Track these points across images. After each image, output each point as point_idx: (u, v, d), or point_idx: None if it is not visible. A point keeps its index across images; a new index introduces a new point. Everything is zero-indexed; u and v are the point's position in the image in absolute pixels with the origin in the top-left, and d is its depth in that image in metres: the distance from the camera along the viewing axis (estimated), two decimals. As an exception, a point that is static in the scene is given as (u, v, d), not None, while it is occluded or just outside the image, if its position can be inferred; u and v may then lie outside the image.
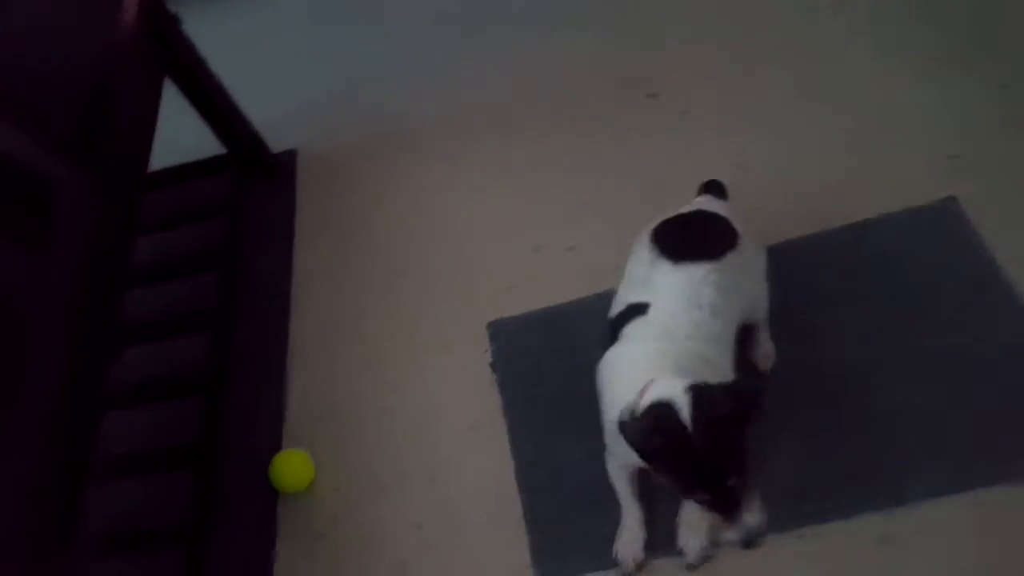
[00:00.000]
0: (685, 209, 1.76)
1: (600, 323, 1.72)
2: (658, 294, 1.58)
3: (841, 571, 1.64)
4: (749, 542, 1.42)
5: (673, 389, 1.34)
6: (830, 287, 1.94)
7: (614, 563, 1.72)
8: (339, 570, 1.92)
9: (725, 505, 1.33)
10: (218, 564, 1.99)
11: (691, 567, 1.67)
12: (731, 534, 1.34)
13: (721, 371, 1.54)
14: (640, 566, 1.71)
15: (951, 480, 1.65)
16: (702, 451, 1.29)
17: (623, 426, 1.36)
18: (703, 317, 1.54)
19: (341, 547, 1.96)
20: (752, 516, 1.47)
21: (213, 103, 2.43)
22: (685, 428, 1.30)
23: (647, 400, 1.36)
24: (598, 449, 1.69)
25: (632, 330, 1.58)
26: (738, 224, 1.69)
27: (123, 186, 1.98)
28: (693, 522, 1.66)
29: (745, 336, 1.76)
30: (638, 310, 1.58)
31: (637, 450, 1.34)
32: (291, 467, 2.05)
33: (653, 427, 1.32)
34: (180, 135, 2.56)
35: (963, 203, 1.99)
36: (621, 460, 1.65)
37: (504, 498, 1.90)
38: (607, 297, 1.83)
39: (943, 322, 1.84)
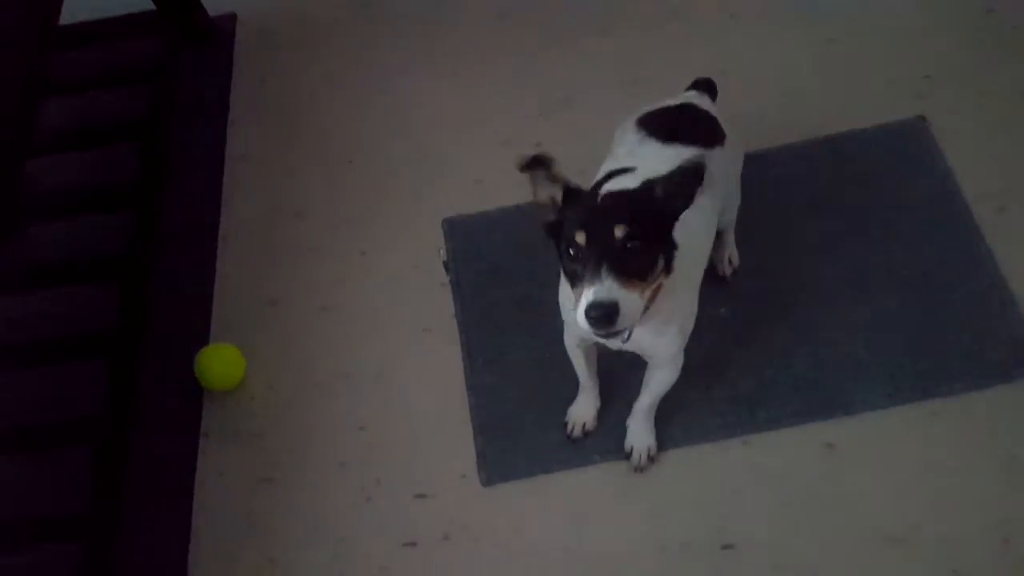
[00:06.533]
0: (672, 101, 1.65)
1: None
2: (645, 161, 1.47)
3: (784, 476, 1.66)
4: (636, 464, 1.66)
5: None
6: (796, 198, 1.96)
7: (566, 436, 1.74)
8: (271, 472, 1.79)
9: (599, 252, 1.19)
10: (135, 462, 1.82)
11: (574, 441, 1.74)
12: (587, 296, 1.18)
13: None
14: (587, 433, 1.74)
15: (896, 391, 1.71)
16: (599, 203, 1.25)
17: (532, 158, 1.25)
18: None
19: (274, 448, 1.82)
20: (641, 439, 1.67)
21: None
22: (596, 192, 1.26)
23: None
24: (550, 353, 1.69)
25: (611, 183, 1.44)
26: (725, 125, 1.62)
27: (24, 33, 1.70)
28: (580, 409, 1.75)
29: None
30: (621, 171, 1.47)
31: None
32: (219, 362, 1.88)
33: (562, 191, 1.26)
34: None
35: (931, 123, 2.02)
36: (575, 336, 1.57)
37: (452, 401, 1.81)
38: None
39: (901, 238, 1.88)
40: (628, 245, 1.19)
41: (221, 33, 2.43)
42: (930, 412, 1.68)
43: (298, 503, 1.74)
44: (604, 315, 1.17)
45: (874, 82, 2.12)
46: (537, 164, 1.25)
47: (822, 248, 1.87)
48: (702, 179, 1.21)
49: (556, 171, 1.25)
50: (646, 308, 1.27)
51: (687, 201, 1.23)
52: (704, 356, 1.71)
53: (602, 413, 1.75)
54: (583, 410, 1.74)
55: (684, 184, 1.22)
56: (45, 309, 1.95)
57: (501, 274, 1.94)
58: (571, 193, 1.26)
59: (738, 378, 1.75)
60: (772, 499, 1.64)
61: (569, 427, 1.74)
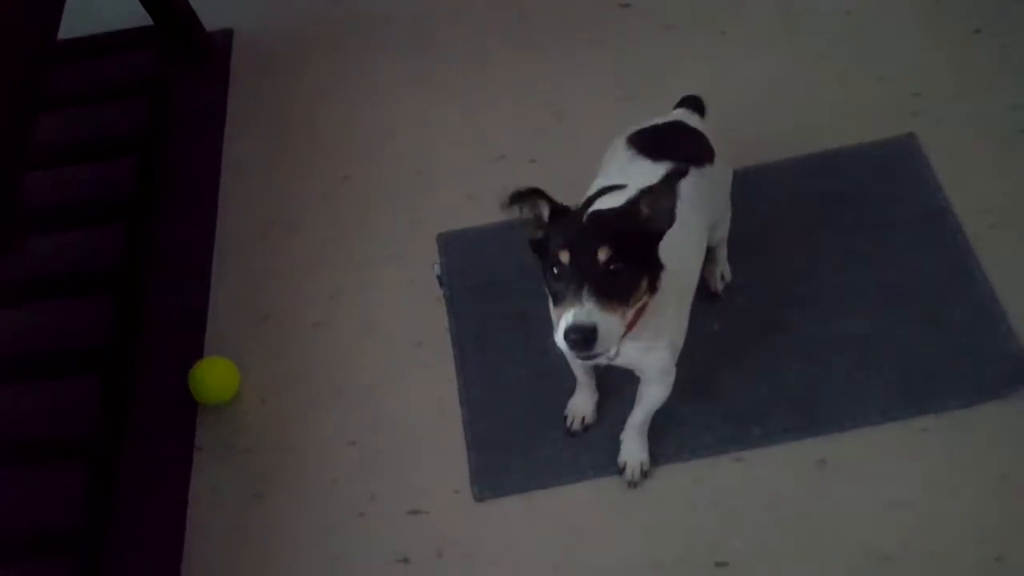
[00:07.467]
0: (661, 120, 1.67)
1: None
2: (636, 179, 1.45)
3: (777, 493, 1.66)
4: (629, 479, 1.67)
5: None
6: (788, 214, 1.97)
7: (565, 431, 1.76)
8: (264, 487, 1.78)
9: (581, 274, 1.18)
10: (129, 477, 1.82)
11: (574, 434, 1.76)
12: (566, 318, 1.17)
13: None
14: (587, 427, 1.76)
15: (888, 408, 1.71)
16: (585, 223, 1.26)
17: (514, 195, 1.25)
18: (680, 207, 1.38)
19: (267, 463, 1.81)
20: (635, 454, 1.67)
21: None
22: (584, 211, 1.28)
23: None
24: (544, 369, 1.72)
25: (602, 200, 1.44)
26: (714, 142, 1.63)
27: (21, 47, 1.70)
28: (578, 403, 1.76)
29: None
30: (613, 188, 1.47)
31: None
32: (213, 376, 1.87)
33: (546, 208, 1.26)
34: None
35: (921, 140, 2.03)
36: None
37: (445, 416, 1.81)
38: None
39: (893, 254, 1.88)
40: (612, 267, 1.19)
41: (217, 48, 2.43)
42: (922, 429, 1.68)
43: (291, 519, 1.74)
44: (583, 339, 1.17)
45: (864, 99, 2.13)
46: (520, 199, 1.25)
47: (815, 264, 1.88)
48: (685, 174, 1.21)
49: (541, 196, 1.25)
50: (631, 326, 1.28)
51: (671, 217, 1.23)
52: (697, 371, 1.71)
53: (595, 429, 1.75)
54: (582, 403, 1.74)
55: (666, 190, 1.21)
56: (38, 323, 1.95)
57: (495, 289, 1.94)
58: (558, 212, 1.26)
59: (731, 394, 1.75)
60: (765, 515, 1.63)
61: (569, 420, 1.75)
